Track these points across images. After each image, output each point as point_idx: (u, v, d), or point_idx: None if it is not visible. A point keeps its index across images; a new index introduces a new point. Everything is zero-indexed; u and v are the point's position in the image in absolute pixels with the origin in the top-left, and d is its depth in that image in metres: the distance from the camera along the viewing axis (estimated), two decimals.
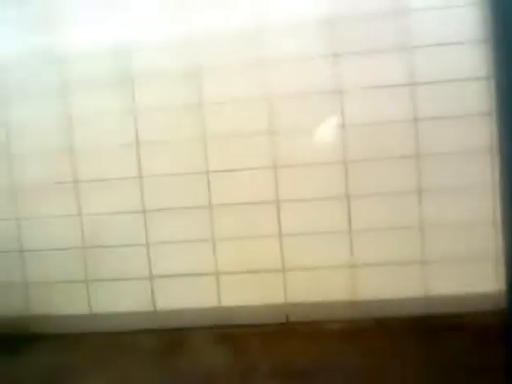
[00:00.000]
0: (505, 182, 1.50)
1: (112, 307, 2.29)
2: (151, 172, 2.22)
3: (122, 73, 2.20)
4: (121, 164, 2.23)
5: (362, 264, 2.17)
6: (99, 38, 2.20)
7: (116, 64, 2.20)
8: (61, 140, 2.25)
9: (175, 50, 2.16)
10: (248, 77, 2.15)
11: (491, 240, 2.05)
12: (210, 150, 2.19)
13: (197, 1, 2.15)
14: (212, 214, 2.21)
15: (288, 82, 2.13)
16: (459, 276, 2.12)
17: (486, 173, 2.08)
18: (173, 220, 2.22)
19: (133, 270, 2.26)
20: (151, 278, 2.27)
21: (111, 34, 2.19)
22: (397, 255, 2.15)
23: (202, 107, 2.18)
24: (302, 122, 2.14)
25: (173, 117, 2.19)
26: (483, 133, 2.07)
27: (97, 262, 2.28)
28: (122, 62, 2.19)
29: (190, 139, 2.19)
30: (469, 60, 2.05)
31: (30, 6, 2.21)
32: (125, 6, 2.18)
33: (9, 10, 2.22)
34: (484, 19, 2.00)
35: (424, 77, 2.08)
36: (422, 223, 2.13)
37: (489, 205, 2.07)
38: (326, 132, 2.15)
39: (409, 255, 2.15)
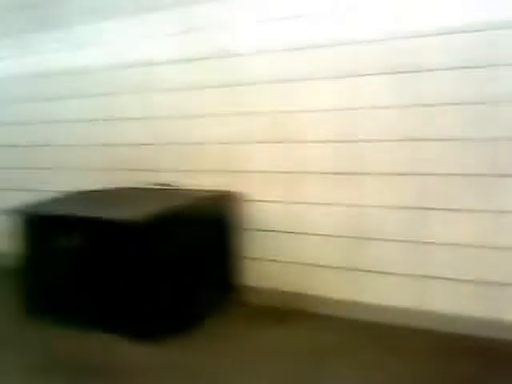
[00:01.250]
0: None
1: (379, 299, 2.35)
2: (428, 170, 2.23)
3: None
4: (398, 158, 2.27)
5: None
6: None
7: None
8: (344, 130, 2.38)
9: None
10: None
11: None
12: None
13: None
14: None
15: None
16: None
17: None
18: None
19: (403, 265, 2.30)
20: (422, 276, 2.27)
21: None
22: None
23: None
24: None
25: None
26: None
27: (368, 252, 2.37)
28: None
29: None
30: None
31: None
32: None
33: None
34: None
35: None
36: None
37: None
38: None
39: None
